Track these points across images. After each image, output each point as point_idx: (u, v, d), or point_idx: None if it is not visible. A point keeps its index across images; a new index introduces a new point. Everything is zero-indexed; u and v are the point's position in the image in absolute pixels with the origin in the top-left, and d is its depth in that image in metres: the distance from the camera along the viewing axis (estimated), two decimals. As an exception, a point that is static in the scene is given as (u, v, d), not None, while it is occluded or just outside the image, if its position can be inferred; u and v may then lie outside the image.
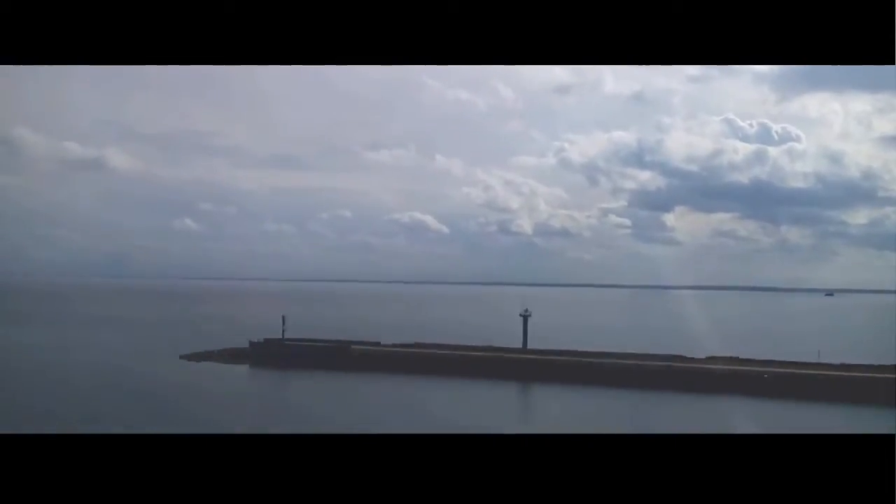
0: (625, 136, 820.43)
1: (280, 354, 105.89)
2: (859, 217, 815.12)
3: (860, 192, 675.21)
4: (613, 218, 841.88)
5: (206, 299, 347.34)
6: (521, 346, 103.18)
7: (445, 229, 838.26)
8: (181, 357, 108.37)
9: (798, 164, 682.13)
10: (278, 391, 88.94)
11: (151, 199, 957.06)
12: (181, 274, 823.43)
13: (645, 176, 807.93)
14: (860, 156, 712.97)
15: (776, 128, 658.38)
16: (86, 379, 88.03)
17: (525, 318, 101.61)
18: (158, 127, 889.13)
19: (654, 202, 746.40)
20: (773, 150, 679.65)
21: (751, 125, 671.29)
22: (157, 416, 64.71)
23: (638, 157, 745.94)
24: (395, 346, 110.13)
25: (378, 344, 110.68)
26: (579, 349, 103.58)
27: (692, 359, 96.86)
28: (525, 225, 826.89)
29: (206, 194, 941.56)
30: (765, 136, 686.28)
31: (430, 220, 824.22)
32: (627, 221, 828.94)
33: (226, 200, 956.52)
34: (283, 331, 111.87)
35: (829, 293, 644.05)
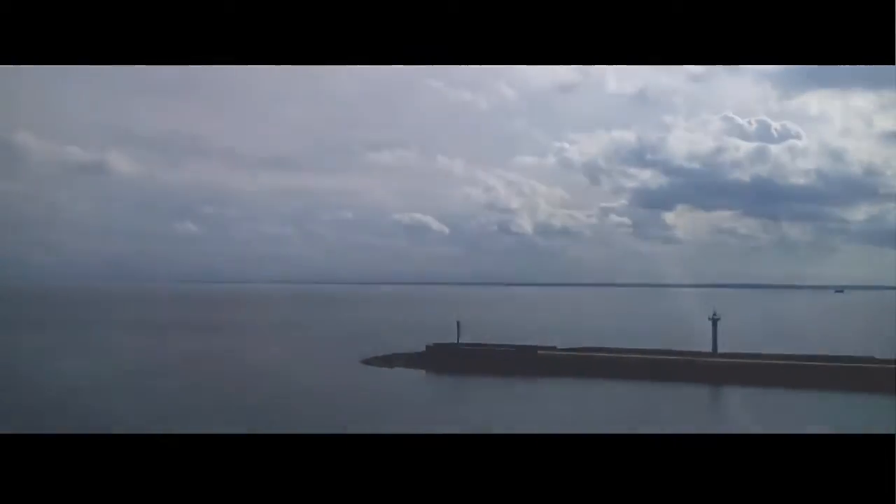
0: (626, 135, 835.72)
1: (457, 359, 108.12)
2: (860, 214, 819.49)
3: (861, 189, 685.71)
4: (614, 217, 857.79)
5: (268, 304, 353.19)
6: (709, 350, 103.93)
7: (446, 230, 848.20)
8: (362, 362, 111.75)
9: (799, 162, 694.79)
10: (465, 395, 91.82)
11: (152, 202, 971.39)
12: (181, 277, 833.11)
13: (646, 174, 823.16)
14: (861, 153, 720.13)
15: (777, 125, 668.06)
16: (299, 384, 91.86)
17: (714, 321, 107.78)
18: (159, 130, 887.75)
19: (655, 201, 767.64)
20: (774, 148, 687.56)
21: (751, 123, 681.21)
22: (361, 419, 68.78)
23: (639, 156, 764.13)
24: (573, 349, 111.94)
25: (554, 348, 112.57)
26: (765, 352, 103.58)
27: (885, 360, 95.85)
28: (526, 225, 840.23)
29: (207, 197, 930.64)
30: (766, 133, 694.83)
31: (431, 220, 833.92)
32: (628, 220, 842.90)
33: (227, 203, 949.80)
34: (458, 335, 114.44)
35: (840, 290, 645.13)
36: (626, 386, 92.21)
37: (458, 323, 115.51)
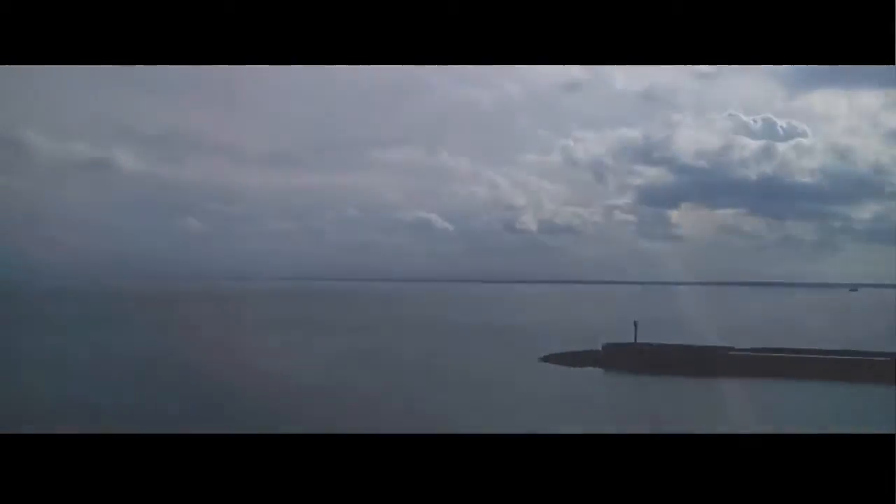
0: (632, 133, 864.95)
1: (637, 358, 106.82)
2: (866, 212, 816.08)
3: (868, 187, 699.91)
4: (619, 215, 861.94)
5: (340, 300, 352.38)
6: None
7: (450, 227, 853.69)
8: (539, 360, 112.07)
9: (805, 160, 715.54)
10: (650, 394, 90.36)
11: (155, 199, 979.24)
12: (186, 274, 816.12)
13: (651, 172, 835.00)
14: (868, 151, 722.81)
15: (783, 123, 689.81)
16: (502, 382, 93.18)
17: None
18: (163, 127, 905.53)
19: (661, 198, 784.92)
20: (780, 146, 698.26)
21: (757, 121, 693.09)
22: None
23: (645, 154, 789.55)
24: (761, 349, 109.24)
25: (732, 348, 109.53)
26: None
27: None
28: (530, 222, 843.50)
29: (211, 194, 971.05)
30: (772, 131, 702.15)
31: (435, 217, 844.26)
32: (633, 218, 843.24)
33: (231, 200, 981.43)
34: (635, 335, 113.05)
35: (854, 288, 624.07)
36: (826, 387, 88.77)
37: (635, 323, 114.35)
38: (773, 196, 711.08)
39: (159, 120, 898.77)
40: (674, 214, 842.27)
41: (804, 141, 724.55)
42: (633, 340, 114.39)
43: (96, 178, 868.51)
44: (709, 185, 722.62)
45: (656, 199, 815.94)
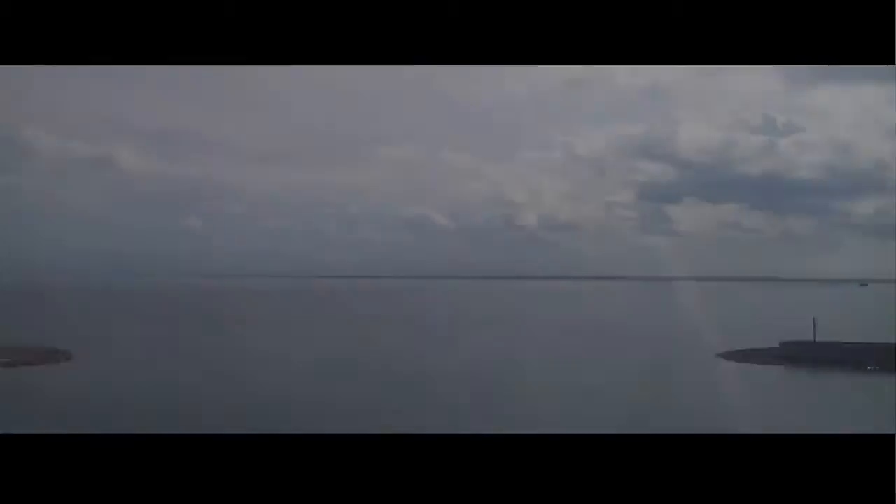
0: (633, 129, 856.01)
1: (818, 356, 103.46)
2: (868, 208, 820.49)
3: (869, 183, 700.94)
4: (620, 211, 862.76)
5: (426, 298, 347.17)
6: None
7: (452, 224, 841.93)
8: (717, 356, 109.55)
9: (807, 156, 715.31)
10: (835, 393, 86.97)
11: (156, 197, 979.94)
12: (187, 272, 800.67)
13: (653, 168, 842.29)
14: (870, 147, 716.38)
15: (783, 119, 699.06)
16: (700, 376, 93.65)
17: None
18: (164, 127, 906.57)
19: (662, 194, 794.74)
20: (781, 142, 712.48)
21: (757, 117, 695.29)
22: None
23: (646, 150, 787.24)
24: None
25: None
26: None
27: None
28: (531, 218, 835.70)
29: (211, 193, 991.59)
30: (773, 127, 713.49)
31: (435, 214, 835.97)
32: (634, 214, 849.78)
33: (231, 198, 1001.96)
34: (814, 333, 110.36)
35: (864, 283, 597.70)
36: None
37: (814, 320, 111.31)
38: (774, 191, 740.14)
39: (160, 119, 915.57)
40: (675, 210, 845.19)
41: (805, 136, 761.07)
42: (811, 339, 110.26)
43: (98, 177, 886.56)
44: (710, 180, 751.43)
45: (657, 195, 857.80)
